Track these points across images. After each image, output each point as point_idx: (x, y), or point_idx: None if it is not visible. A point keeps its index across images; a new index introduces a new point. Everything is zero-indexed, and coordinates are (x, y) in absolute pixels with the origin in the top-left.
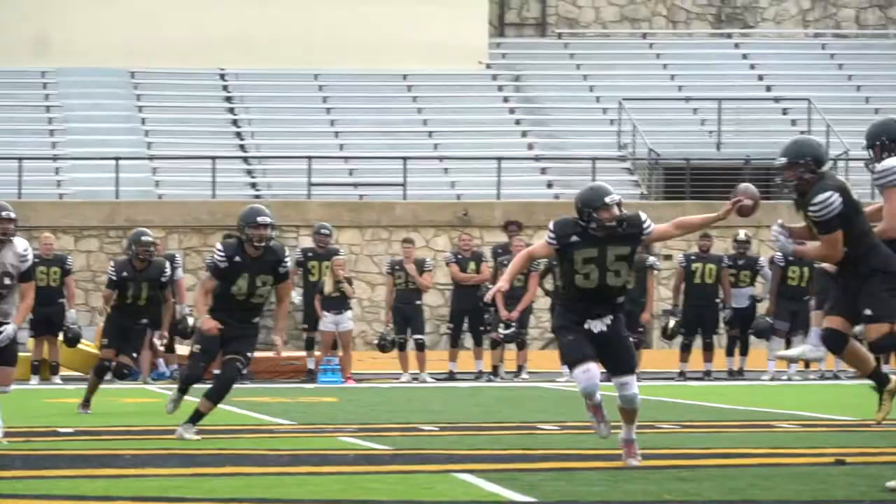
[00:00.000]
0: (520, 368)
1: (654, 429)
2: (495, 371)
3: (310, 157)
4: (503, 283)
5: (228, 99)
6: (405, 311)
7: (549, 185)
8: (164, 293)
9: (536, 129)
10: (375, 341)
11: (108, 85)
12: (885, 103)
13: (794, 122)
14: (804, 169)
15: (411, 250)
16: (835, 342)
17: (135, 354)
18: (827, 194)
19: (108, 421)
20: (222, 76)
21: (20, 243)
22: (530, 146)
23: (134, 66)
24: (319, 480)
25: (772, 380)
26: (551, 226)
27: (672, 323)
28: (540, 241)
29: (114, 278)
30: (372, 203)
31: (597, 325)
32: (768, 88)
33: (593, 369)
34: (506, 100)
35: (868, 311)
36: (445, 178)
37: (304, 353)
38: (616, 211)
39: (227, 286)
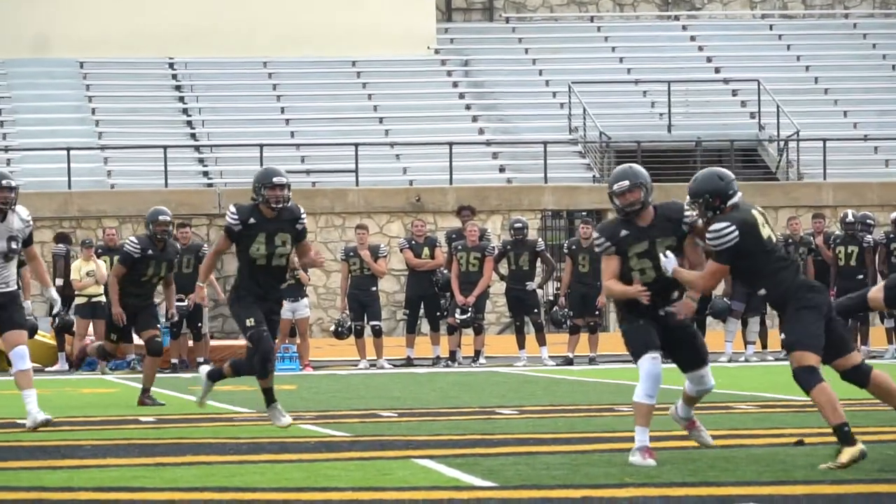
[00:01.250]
0: (477, 353)
1: (613, 412)
2: (453, 356)
3: (261, 145)
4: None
5: (178, 88)
6: (361, 298)
7: (501, 170)
8: (168, 276)
9: (487, 114)
10: (332, 328)
11: (58, 76)
12: (834, 83)
13: (743, 104)
14: (705, 206)
15: (365, 236)
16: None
17: (158, 325)
18: (723, 224)
19: (68, 412)
20: (171, 65)
21: (22, 210)
22: (481, 131)
23: (83, 57)
24: (280, 468)
25: (729, 361)
26: (596, 233)
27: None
28: (605, 262)
29: (136, 255)
30: (324, 190)
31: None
32: (717, 70)
33: (659, 357)
34: (455, 85)
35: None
36: (397, 164)
37: None
38: (629, 197)
39: (245, 251)
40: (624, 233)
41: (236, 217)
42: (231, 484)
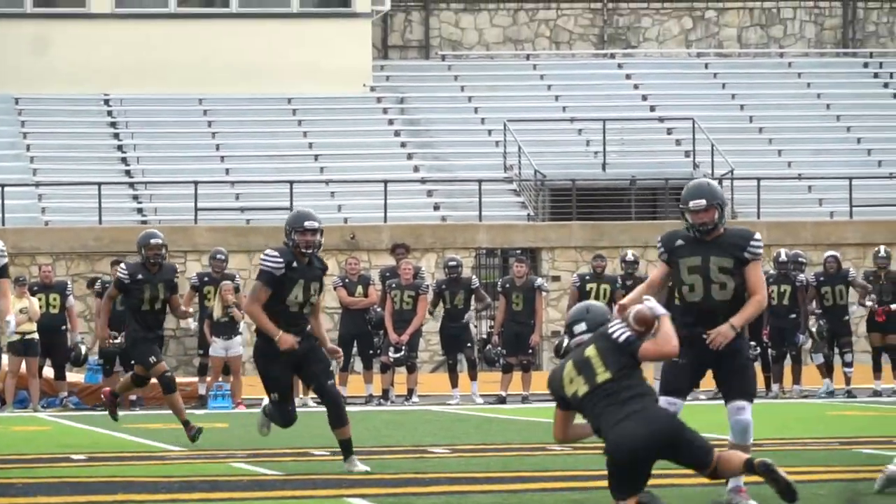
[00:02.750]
0: (410, 392)
1: (545, 451)
2: (385, 395)
3: (196, 182)
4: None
5: (113, 124)
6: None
7: (436, 207)
8: (173, 299)
9: (422, 152)
10: None
11: None
12: (769, 122)
13: (678, 142)
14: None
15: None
16: None
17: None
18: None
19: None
20: (107, 101)
21: None
22: (416, 168)
23: (19, 93)
24: None
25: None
26: (658, 239)
27: (567, 342)
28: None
29: (126, 281)
30: (259, 227)
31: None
32: (652, 108)
33: (678, 404)
34: (391, 122)
35: None
36: (332, 201)
37: (194, 379)
38: (703, 217)
39: (280, 297)
40: (679, 242)
41: (280, 260)
42: None
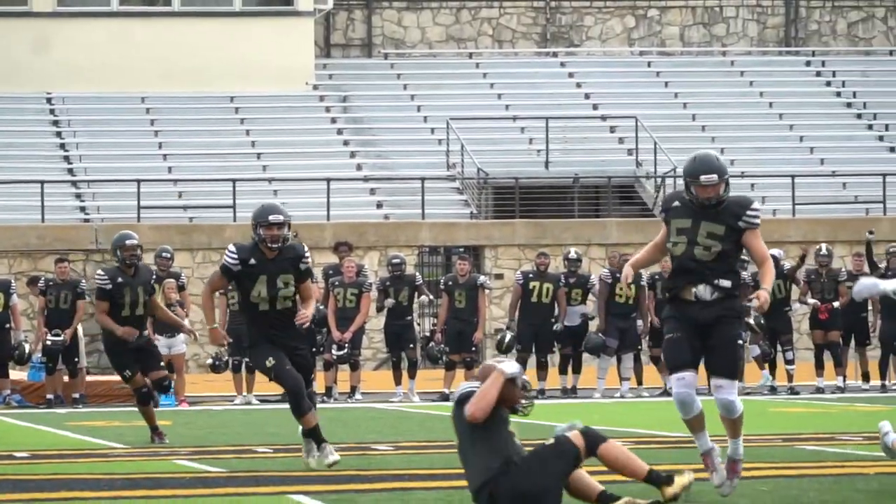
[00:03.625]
0: (353, 389)
1: None
2: (328, 392)
3: (139, 181)
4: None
5: (56, 123)
6: (239, 333)
7: (379, 206)
8: (152, 299)
9: (365, 150)
10: (209, 362)
11: None
12: (711, 120)
13: (621, 141)
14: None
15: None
16: None
17: (162, 363)
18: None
19: None
20: (49, 100)
21: None
22: (359, 167)
23: None
24: None
25: (603, 397)
26: (665, 197)
27: (508, 337)
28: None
29: (107, 287)
30: (202, 225)
31: (703, 291)
32: (595, 107)
33: (687, 377)
34: (333, 120)
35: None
36: (275, 199)
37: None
38: (711, 191)
39: (246, 296)
40: (676, 203)
41: (235, 256)
42: None
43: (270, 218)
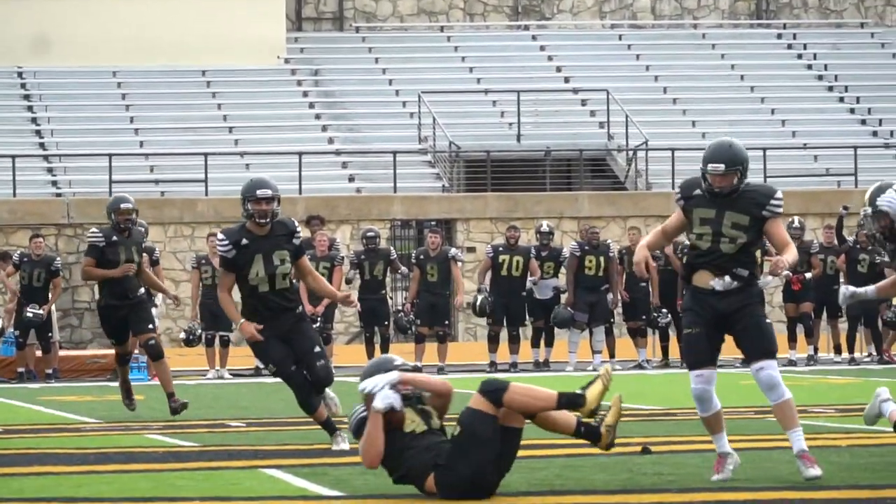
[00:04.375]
0: None
1: None
2: None
3: (110, 155)
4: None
5: (27, 97)
6: (212, 307)
7: (351, 179)
8: (158, 269)
9: (336, 123)
10: (182, 336)
11: None
12: (683, 93)
13: (592, 114)
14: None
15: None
16: None
17: (150, 326)
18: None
19: None
20: (20, 74)
21: None
22: (331, 140)
23: None
24: (127, 478)
25: (575, 370)
26: (678, 186)
27: (480, 299)
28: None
29: (100, 244)
30: (174, 199)
31: (718, 283)
32: (567, 80)
33: (706, 374)
34: (305, 94)
35: None
36: (246, 173)
37: (110, 351)
38: (720, 181)
39: (244, 279)
40: (697, 192)
41: (226, 242)
42: (78, 494)
43: (258, 192)
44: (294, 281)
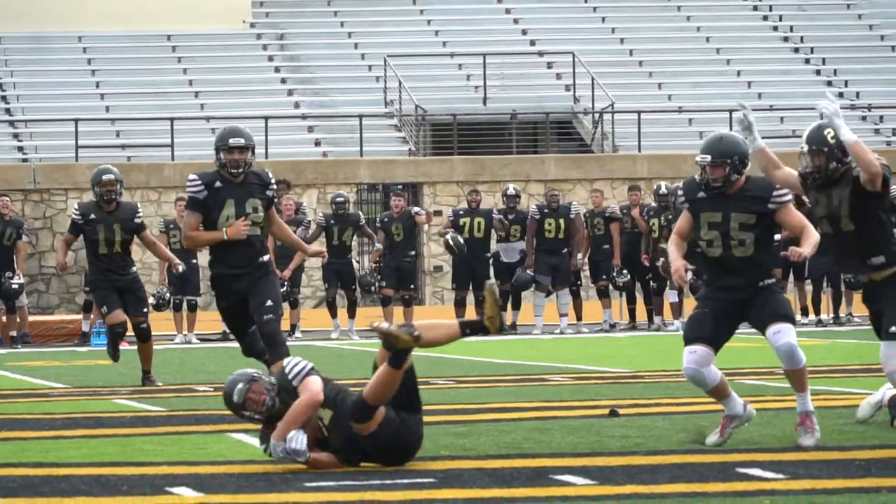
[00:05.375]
0: (293, 328)
1: (428, 385)
2: None
3: (76, 120)
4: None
5: None
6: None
7: (317, 143)
8: (144, 235)
9: (302, 88)
10: (150, 300)
11: None
12: (649, 55)
13: (558, 76)
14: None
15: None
16: None
17: (145, 310)
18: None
19: None
20: None
21: None
22: (297, 104)
23: None
24: (95, 443)
25: (542, 333)
26: (680, 186)
27: (450, 236)
28: (681, 217)
29: (78, 221)
30: (140, 164)
31: (741, 282)
32: (532, 42)
33: (697, 352)
34: (271, 59)
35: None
36: (211, 137)
37: (78, 316)
38: (711, 172)
39: (212, 221)
40: (702, 194)
41: (198, 182)
42: (46, 459)
43: (231, 141)
44: (263, 232)
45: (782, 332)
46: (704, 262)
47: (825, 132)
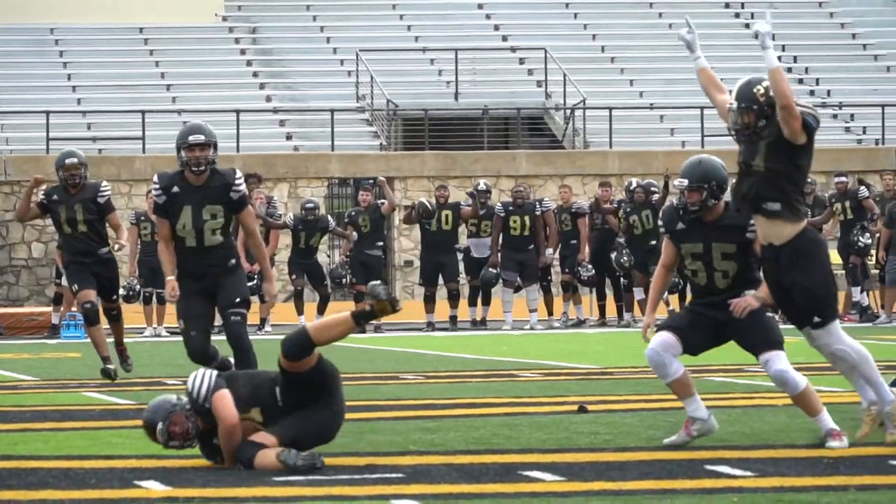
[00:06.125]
0: (262, 321)
1: (397, 380)
2: None
3: (47, 112)
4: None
5: None
6: (152, 264)
7: (289, 137)
8: (110, 217)
9: (274, 81)
10: (121, 292)
11: None
12: (621, 52)
13: (530, 72)
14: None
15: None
16: None
17: (115, 297)
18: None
19: None
20: None
21: None
22: (268, 98)
23: None
24: (63, 436)
25: (512, 329)
26: (660, 216)
27: (418, 203)
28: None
29: (43, 201)
30: (111, 157)
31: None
32: (505, 38)
33: (662, 337)
34: (243, 52)
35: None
36: None
37: (48, 309)
38: (689, 196)
39: (173, 229)
40: (681, 226)
41: (158, 187)
42: (14, 452)
43: (191, 138)
44: (227, 238)
45: (771, 361)
46: (691, 284)
47: (755, 89)
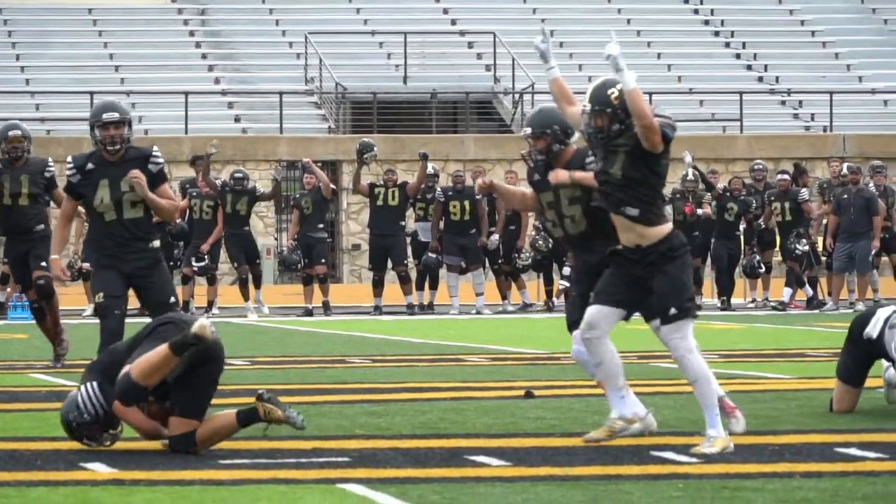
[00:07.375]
0: (210, 304)
1: (344, 363)
2: (186, 306)
3: None
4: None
5: None
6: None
7: (237, 119)
8: (55, 193)
9: (223, 63)
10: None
11: None
12: (570, 36)
13: (479, 56)
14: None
15: None
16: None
17: (43, 263)
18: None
19: None
20: None
21: None
22: (217, 80)
23: None
24: (10, 417)
25: (459, 313)
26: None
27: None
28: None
29: None
30: (59, 138)
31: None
32: (454, 22)
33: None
34: (192, 34)
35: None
36: (132, 112)
37: None
38: (534, 144)
39: (90, 207)
40: (536, 177)
41: (71, 166)
42: None
43: (104, 116)
44: (147, 213)
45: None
46: (553, 241)
47: (609, 91)
